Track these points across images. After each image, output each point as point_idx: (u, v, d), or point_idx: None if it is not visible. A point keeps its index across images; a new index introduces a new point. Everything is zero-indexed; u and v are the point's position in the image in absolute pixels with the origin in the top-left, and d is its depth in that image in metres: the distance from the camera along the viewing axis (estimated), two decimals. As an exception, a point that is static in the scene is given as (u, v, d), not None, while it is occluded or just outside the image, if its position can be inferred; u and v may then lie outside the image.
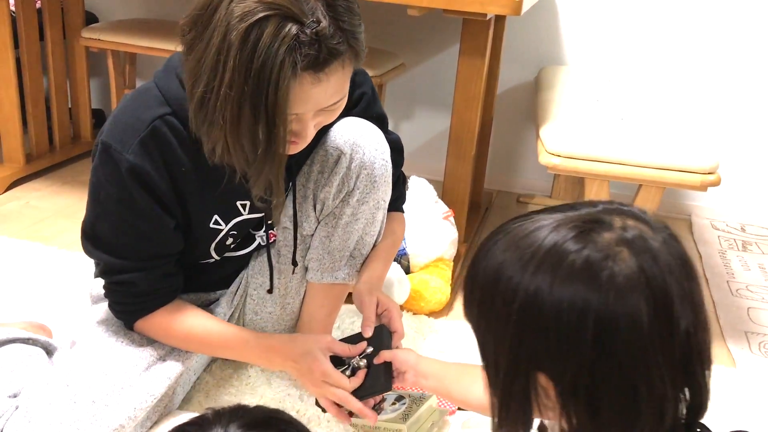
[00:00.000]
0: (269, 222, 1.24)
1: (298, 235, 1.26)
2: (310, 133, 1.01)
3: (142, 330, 1.18)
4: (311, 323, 1.34)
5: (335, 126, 1.20)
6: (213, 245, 1.18)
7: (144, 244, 1.09)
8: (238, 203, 1.16)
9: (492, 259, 0.66)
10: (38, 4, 2.30)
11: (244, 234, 1.22)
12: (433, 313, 1.68)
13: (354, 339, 1.19)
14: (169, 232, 1.10)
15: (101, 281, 1.25)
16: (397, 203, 1.36)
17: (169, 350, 1.18)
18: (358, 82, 1.22)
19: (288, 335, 1.18)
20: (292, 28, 0.87)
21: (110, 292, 1.15)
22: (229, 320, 1.33)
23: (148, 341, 1.19)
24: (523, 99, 2.48)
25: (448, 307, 1.72)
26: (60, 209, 2.10)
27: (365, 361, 1.14)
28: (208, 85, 0.90)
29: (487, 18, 1.63)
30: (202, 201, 1.11)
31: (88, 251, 1.12)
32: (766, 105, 2.30)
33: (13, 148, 2.24)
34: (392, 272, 1.63)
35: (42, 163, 2.35)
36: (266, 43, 0.86)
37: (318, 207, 1.23)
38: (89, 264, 1.28)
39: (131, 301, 1.14)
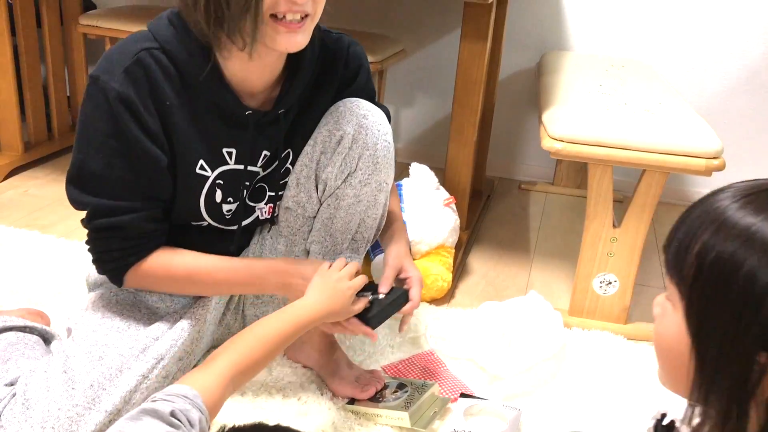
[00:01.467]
0: (272, 193, 1.23)
1: (301, 215, 1.25)
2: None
3: (135, 281, 1.13)
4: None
5: (337, 106, 1.20)
6: (202, 200, 1.15)
7: (134, 182, 1.06)
8: (224, 150, 1.14)
9: (728, 244, 0.65)
10: (35, -9, 2.28)
11: (235, 192, 1.18)
12: (435, 301, 1.67)
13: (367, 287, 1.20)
14: (159, 169, 1.07)
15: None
16: None
17: (164, 330, 1.16)
18: (354, 53, 1.23)
19: (294, 258, 1.21)
20: None
21: (98, 240, 1.10)
22: (228, 304, 1.32)
23: (144, 323, 1.17)
24: (525, 85, 2.45)
25: (449, 294, 1.71)
26: (58, 197, 2.08)
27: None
28: None
29: (489, 1, 1.60)
30: (188, 141, 1.09)
31: (75, 198, 1.08)
32: (770, 90, 2.28)
33: (11, 136, 2.22)
34: (393, 259, 1.62)
35: (40, 151, 2.33)
36: None
37: (320, 188, 1.23)
38: (86, 254, 1.26)
39: (120, 246, 1.09)
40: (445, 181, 1.85)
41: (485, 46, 1.72)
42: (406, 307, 1.20)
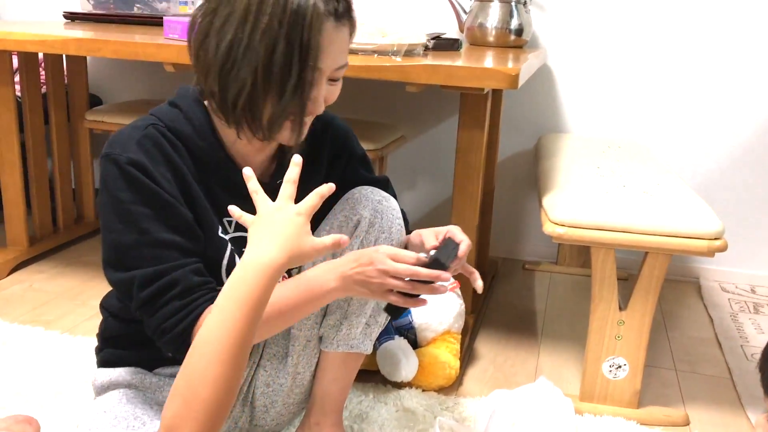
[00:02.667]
0: None
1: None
2: (321, 106, 1.09)
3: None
4: (324, 400, 1.31)
5: (353, 193, 1.25)
6: (224, 265, 1.15)
7: (170, 240, 1.04)
8: (225, 220, 1.16)
9: None
10: (44, 89, 2.34)
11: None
12: (443, 389, 1.64)
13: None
14: (190, 222, 1.08)
15: (104, 371, 1.23)
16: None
17: None
18: (339, 125, 1.32)
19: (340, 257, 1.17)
20: None
21: (153, 311, 1.04)
22: (235, 402, 1.30)
23: (158, 419, 1.15)
24: (524, 166, 2.49)
25: (457, 381, 1.68)
26: (63, 291, 2.09)
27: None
28: (237, 34, 1.01)
29: (485, 92, 1.65)
30: (204, 208, 1.13)
31: (116, 280, 1.05)
32: None
33: (17, 232, 2.24)
34: (399, 347, 1.61)
35: (45, 245, 2.35)
36: None
37: None
38: (90, 350, 1.25)
39: (179, 305, 1.03)
40: (448, 266, 1.85)
41: (483, 133, 1.76)
42: (462, 248, 1.17)
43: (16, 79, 2.21)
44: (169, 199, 1.06)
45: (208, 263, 1.13)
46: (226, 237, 1.17)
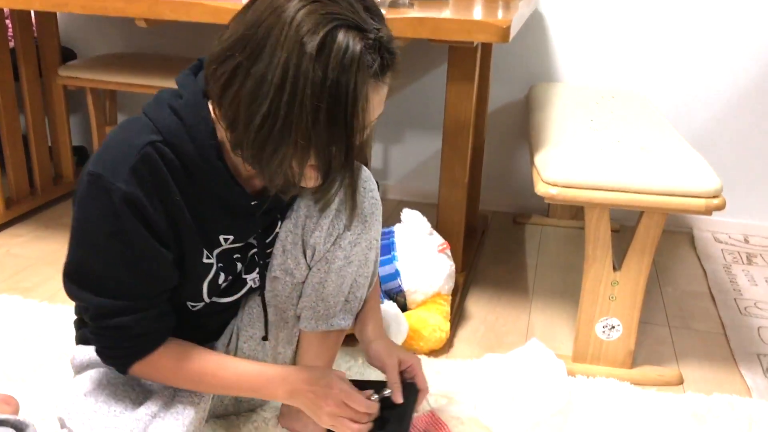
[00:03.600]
0: (261, 262, 1.18)
1: (290, 282, 1.20)
2: None
3: (140, 373, 1.09)
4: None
5: None
6: (206, 283, 1.12)
7: (140, 281, 1.01)
8: (221, 237, 1.10)
9: None
10: (11, 44, 2.24)
11: (231, 268, 1.14)
12: (434, 352, 1.61)
13: (373, 386, 1.17)
14: (167, 267, 1.03)
15: (83, 349, 1.18)
16: None
17: (161, 406, 1.11)
18: None
19: (302, 366, 1.14)
20: (360, 36, 0.89)
21: (102, 338, 1.06)
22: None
23: (139, 402, 1.12)
24: (514, 117, 2.42)
25: (448, 343, 1.65)
26: (42, 256, 2.03)
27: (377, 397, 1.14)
28: (274, 102, 0.88)
29: (474, 45, 1.57)
30: (193, 233, 1.05)
31: (73, 294, 1.03)
32: (765, 111, 2.25)
33: (-8, 194, 2.17)
34: (388, 311, 1.57)
35: (23, 208, 2.28)
36: (341, 51, 0.87)
37: (308, 253, 1.18)
38: (70, 320, 1.21)
39: (126, 345, 1.05)
40: (438, 224, 1.81)
41: (472, 87, 1.68)
42: (420, 399, 1.18)
43: (-18, 34, 2.10)
44: (150, 244, 1.00)
45: (189, 284, 1.10)
46: (214, 255, 1.10)
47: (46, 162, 2.39)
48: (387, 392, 1.14)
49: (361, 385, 1.15)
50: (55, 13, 2.35)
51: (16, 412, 1.27)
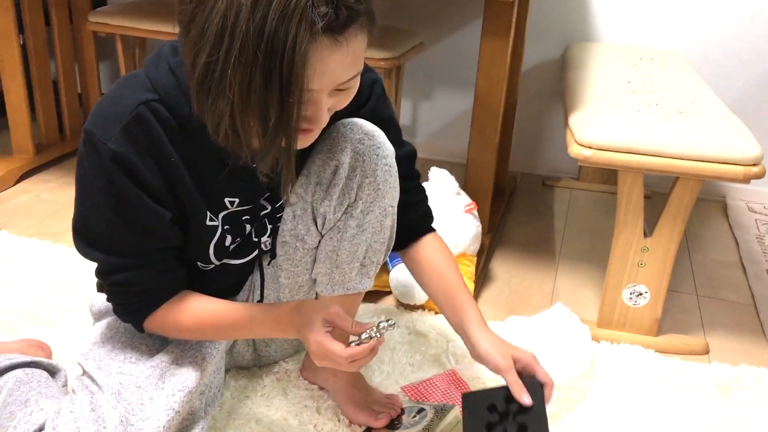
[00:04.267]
0: (271, 225, 1.16)
1: (301, 248, 1.18)
2: (324, 118, 0.92)
3: (152, 329, 1.11)
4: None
5: (330, 131, 1.09)
6: (212, 245, 1.10)
7: (139, 238, 1.01)
8: (227, 199, 1.07)
9: None
10: (43, -12, 2.22)
11: (239, 230, 1.13)
12: (457, 312, 1.60)
13: (496, 393, 1.12)
14: (164, 225, 1.02)
15: (102, 296, 1.19)
16: (425, 223, 1.27)
17: (179, 354, 1.11)
18: (364, 81, 1.13)
19: (296, 303, 1.07)
20: None
21: (111, 294, 1.08)
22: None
23: (155, 350, 1.13)
24: (548, 77, 2.36)
25: (472, 304, 1.64)
26: (71, 201, 2.02)
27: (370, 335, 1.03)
28: (212, 54, 0.82)
29: (512, -1, 1.52)
30: (193, 194, 1.03)
31: (82, 251, 1.04)
32: (808, 80, 2.17)
33: (22, 139, 2.18)
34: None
35: (52, 153, 2.29)
36: (281, 2, 0.78)
37: (319, 221, 1.14)
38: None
39: (134, 300, 1.07)
40: (466, 184, 1.78)
41: (507, 44, 1.64)
42: (548, 393, 1.11)
43: (13, -24, 2.09)
44: (146, 201, 0.98)
45: (194, 246, 1.09)
46: (219, 217, 1.08)
47: (75, 108, 2.39)
48: (383, 324, 1.02)
49: (482, 394, 1.14)
50: (86, -42, 2.33)
51: (49, 356, 1.30)
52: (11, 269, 1.65)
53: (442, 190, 1.68)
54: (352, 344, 1.00)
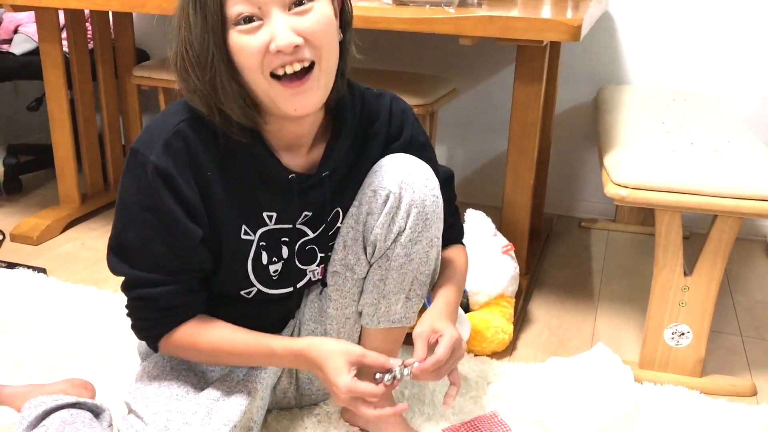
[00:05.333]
0: (322, 254, 1.20)
1: (350, 278, 1.21)
2: (283, 28, 0.95)
3: (167, 349, 1.14)
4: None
5: (381, 164, 1.15)
6: (250, 264, 1.13)
7: (169, 255, 1.06)
8: (265, 214, 1.12)
9: None
10: (90, 45, 2.32)
11: (276, 250, 1.16)
12: (496, 354, 1.60)
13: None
14: (195, 244, 1.07)
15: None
16: (454, 235, 1.31)
17: (225, 390, 1.13)
18: (398, 109, 1.20)
19: (317, 339, 1.09)
20: None
21: (132, 309, 1.12)
22: (281, 374, 1.28)
23: (201, 387, 1.15)
24: (582, 119, 2.38)
25: (511, 346, 1.64)
26: (115, 249, 2.10)
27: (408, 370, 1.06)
28: (177, 36, 0.99)
29: (544, 44, 1.55)
30: (229, 208, 1.09)
31: (113, 266, 1.09)
32: None
33: (69, 190, 2.25)
34: (451, 311, 1.56)
35: (97, 202, 2.36)
36: None
37: (369, 250, 1.18)
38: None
39: (154, 317, 1.10)
40: (502, 226, 1.79)
41: (540, 87, 1.67)
42: (416, 368, 1.07)
43: (63, 35, 2.19)
44: (181, 218, 1.04)
45: (232, 262, 1.13)
46: (257, 234, 1.12)
47: (119, 159, 2.47)
48: (401, 367, 1.06)
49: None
50: (131, 15, 2.43)
51: (93, 396, 1.32)
52: (58, 314, 1.70)
53: (479, 232, 1.69)
54: (381, 378, 1.04)
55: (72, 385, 1.32)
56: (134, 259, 1.07)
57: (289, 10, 0.95)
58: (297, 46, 0.95)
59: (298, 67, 0.97)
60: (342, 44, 1.06)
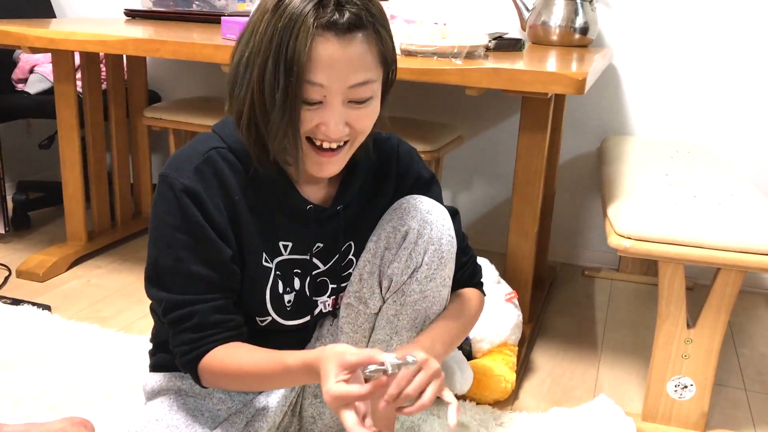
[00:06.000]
0: (334, 285, 1.21)
1: (363, 312, 1.21)
2: (338, 121, 1.00)
3: (204, 376, 1.10)
4: (375, 413, 1.27)
5: (401, 203, 1.19)
6: (268, 292, 1.15)
7: (202, 274, 1.07)
8: (281, 243, 1.15)
9: None
10: (104, 86, 2.37)
11: (289, 280, 1.17)
12: (498, 403, 1.59)
13: None
14: (225, 261, 1.09)
15: (155, 376, 1.22)
16: (468, 274, 1.29)
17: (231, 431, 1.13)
18: (404, 150, 1.24)
19: (328, 346, 1.03)
20: None
21: (172, 335, 1.11)
22: (285, 412, 1.28)
23: (209, 428, 1.14)
24: (585, 169, 2.40)
25: (513, 395, 1.63)
26: (120, 287, 2.10)
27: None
28: (243, 53, 1.00)
29: (549, 96, 1.58)
30: (253, 235, 1.12)
31: (150, 294, 1.12)
32: None
33: (76, 227, 2.27)
34: (453, 358, 1.56)
35: (103, 241, 2.38)
36: (295, 4, 0.95)
37: (384, 284, 1.20)
38: (144, 350, 1.25)
39: (191, 337, 1.09)
40: (505, 273, 1.80)
41: (545, 137, 1.69)
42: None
43: (78, 75, 2.23)
44: (211, 235, 1.07)
45: (252, 288, 1.14)
46: (274, 262, 1.15)
47: (127, 198, 2.49)
48: (411, 359, 0.95)
49: None
50: (145, 59, 2.48)
51: (92, 436, 1.32)
52: (61, 352, 1.70)
53: (483, 279, 1.69)
54: (366, 374, 0.96)
55: (71, 424, 1.31)
56: (170, 283, 1.09)
57: (349, 102, 1.01)
58: (343, 136, 1.03)
59: (335, 145, 1.04)
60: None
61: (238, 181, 1.10)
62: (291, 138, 1.01)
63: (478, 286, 1.32)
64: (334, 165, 1.06)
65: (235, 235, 1.11)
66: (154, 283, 1.11)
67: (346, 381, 0.94)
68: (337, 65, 0.97)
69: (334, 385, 0.96)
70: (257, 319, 1.18)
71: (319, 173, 1.06)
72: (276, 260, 1.15)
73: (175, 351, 1.13)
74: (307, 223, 1.15)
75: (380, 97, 1.06)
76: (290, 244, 1.16)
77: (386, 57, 1.03)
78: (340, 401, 0.94)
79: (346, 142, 1.05)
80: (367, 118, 1.04)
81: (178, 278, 1.08)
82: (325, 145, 1.03)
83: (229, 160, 1.09)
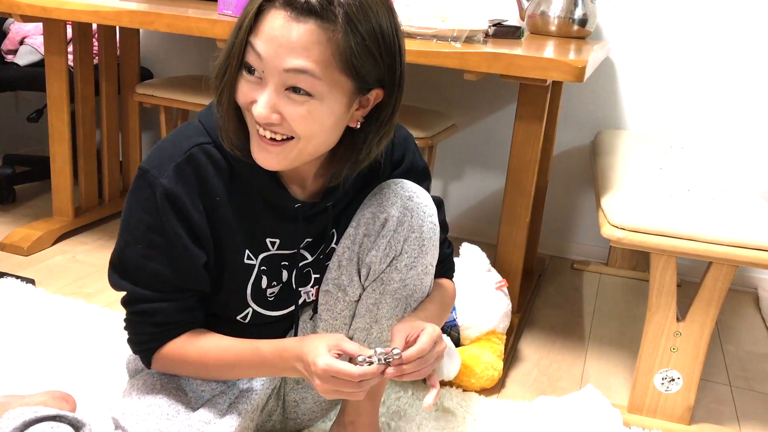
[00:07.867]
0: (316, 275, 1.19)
1: (342, 299, 1.20)
2: (266, 102, 0.95)
3: (160, 365, 1.13)
4: (357, 406, 1.26)
5: (381, 187, 1.16)
6: (249, 288, 1.14)
7: (170, 275, 1.07)
8: (268, 240, 1.13)
9: None
10: (96, 60, 2.33)
11: (276, 275, 1.15)
12: (484, 391, 1.58)
13: None
14: (196, 267, 1.07)
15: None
16: (446, 269, 1.29)
17: (215, 412, 1.11)
18: (399, 137, 1.21)
19: (301, 336, 1.08)
20: None
21: (130, 323, 1.12)
22: (269, 395, 1.26)
23: (192, 408, 1.13)
24: (578, 162, 2.40)
25: (499, 383, 1.62)
26: (105, 264, 2.08)
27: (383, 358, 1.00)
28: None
29: (547, 84, 1.57)
30: (234, 234, 1.09)
31: (114, 282, 1.10)
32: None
33: (63, 202, 2.24)
34: (441, 345, 1.55)
35: (90, 217, 2.35)
36: None
37: (363, 272, 1.17)
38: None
39: (149, 331, 1.11)
40: (496, 262, 1.79)
41: (540, 127, 1.68)
42: (396, 355, 1.01)
43: (70, 49, 2.20)
44: (185, 242, 1.05)
45: (231, 287, 1.13)
46: (258, 258, 1.13)
47: (116, 175, 2.46)
48: (396, 351, 1.00)
49: None
50: (138, 33, 2.45)
51: (73, 409, 1.29)
52: (45, 326, 1.67)
53: (473, 267, 1.69)
54: (363, 360, 0.99)
55: (52, 398, 1.30)
56: (136, 275, 1.07)
57: (285, 89, 0.96)
58: (272, 122, 0.97)
59: (269, 134, 0.98)
60: (362, 131, 1.04)
61: (222, 180, 1.06)
62: (224, 105, 1.00)
63: (451, 279, 1.32)
64: (275, 158, 1.00)
65: (215, 237, 1.08)
66: (118, 271, 1.09)
67: None
68: (278, 41, 0.92)
69: (327, 356, 0.98)
70: (238, 316, 1.16)
71: (261, 162, 1.01)
72: (261, 256, 1.13)
73: (130, 337, 1.14)
74: (295, 221, 1.13)
75: (342, 108, 0.98)
76: (278, 241, 1.13)
77: (355, 67, 0.95)
78: (329, 373, 0.97)
79: (289, 139, 0.99)
80: (303, 119, 0.96)
81: (143, 273, 1.07)
82: (261, 132, 0.98)
83: (213, 157, 1.05)
